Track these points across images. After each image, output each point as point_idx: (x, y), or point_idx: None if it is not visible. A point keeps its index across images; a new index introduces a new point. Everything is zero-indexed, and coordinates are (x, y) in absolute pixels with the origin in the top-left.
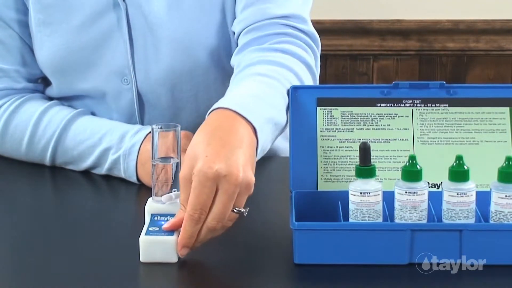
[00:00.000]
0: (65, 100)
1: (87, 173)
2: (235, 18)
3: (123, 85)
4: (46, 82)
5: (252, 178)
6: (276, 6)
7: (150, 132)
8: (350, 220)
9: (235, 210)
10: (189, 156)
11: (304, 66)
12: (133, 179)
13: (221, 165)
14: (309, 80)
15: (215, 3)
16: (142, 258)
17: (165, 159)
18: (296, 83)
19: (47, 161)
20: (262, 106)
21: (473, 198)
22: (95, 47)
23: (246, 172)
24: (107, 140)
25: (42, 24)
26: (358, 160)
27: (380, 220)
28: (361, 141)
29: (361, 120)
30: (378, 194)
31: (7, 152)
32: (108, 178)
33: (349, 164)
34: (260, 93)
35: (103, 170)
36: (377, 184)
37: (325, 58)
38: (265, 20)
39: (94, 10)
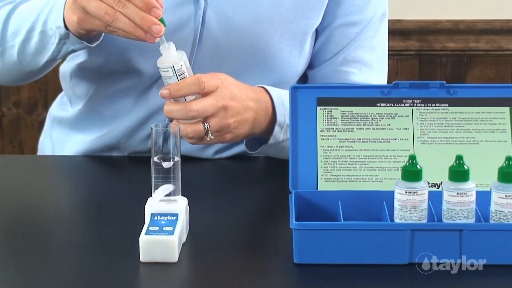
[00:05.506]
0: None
1: (86, 173)
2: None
3: None
4: None
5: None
6: (360, 73)
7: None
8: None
9: (206, 125)
10: (221, 78)
11: None
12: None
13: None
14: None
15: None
16: (142, 258)
17: (165, 157)
18: None
19: None
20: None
21: (473, 198)
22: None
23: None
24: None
25: None
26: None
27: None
28: (361, 140)
29: (361, 120)
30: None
31: None
32: (108, 177)
33: (349, 164)
34: None
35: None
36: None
37: None
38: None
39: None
